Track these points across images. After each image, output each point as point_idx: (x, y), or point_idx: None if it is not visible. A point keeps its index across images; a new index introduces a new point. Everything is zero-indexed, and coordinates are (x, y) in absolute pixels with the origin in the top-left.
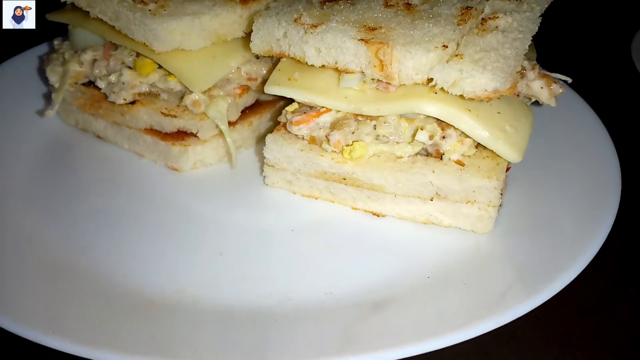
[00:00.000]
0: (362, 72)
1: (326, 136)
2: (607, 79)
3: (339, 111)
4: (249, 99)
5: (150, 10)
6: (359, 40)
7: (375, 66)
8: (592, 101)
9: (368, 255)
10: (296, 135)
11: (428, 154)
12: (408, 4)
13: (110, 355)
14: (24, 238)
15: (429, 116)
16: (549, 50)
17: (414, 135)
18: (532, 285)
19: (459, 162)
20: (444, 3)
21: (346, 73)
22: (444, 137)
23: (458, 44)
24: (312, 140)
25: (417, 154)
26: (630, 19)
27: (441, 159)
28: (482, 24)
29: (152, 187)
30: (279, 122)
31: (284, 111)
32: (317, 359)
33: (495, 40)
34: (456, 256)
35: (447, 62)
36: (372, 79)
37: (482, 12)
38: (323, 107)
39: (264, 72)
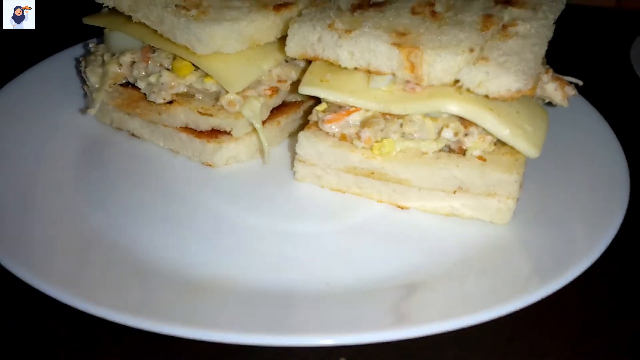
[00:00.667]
0: (393, 74)
1: (357, 133)
2: (607, 83)
3: (367, 110)
4: (277, 100)
5: (192, 15)
6: (391, 44)
7: (406, 68)
8: (593, 105)
9: (396, 244)
10: (327, 132)
11: (451, 150)
12: (433, 11)
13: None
14: (73, 224)
15: (452, 115)
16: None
17: (439, 133)
18: (550, 271)
19: (480, 158)
20: (466, 11)
21: (377, 75)
22: (466, 135)
23: (482, 48)
24: (343, 138)
25: (440, 150)
26: (629, 25)
27: (464, 154)
28: (503, 30)
29: (188, 181)
30: (308, 121)
31: (314, 110)
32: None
33: (517, 45)
34: (479, 245)
35: (474, 64)
36: (400, 81)
37: (502, 19)
38: (352, 106)
39: (293, 74)
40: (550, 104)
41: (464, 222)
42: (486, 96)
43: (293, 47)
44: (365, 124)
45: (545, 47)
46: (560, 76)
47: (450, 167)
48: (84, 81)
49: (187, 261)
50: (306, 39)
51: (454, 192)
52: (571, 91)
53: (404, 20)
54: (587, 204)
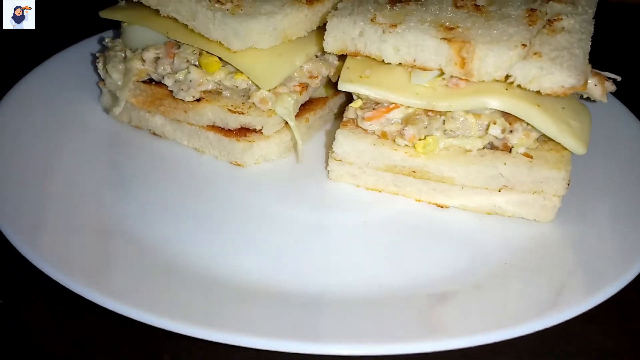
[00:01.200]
0: (440, 70)
1: (399, 131)
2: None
3: (408, 107)
4: (306, 96)
5: (228, 9)
6: (441, 39)
7: (456, 64)
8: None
9: (440, 245)
10: (366, 130)
11: (493, 147)
12: (476, 5)
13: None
14: (99, 221)
15: (494, 111)
16: None
17: (486, 130)
18: (609, 270)
19: (526, 155)
20: (509, 5)
21: (420, 70)
22: (511, 131)
23: (532, 43)
24: (383, 135)
25: (483, 147)
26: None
27: (509, 151)
28: (549, 24)
29: (218, 182)
30: (340, 118)
31: (350, 107)
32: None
33: (565, 40)
34: (526, 245)
35: (527, 59)
36: (443, 76)
37: (546, 14)
38: (393, 103)
39: (324, 70)
40: (587, 99)
41: (506, 220)
42: (536, 92)
43: (332, 42)
44: (407, 121)
45: (589, 42)
46: (599, 72)
47: (498, 164)
48: (100, 78)
49: (217, 261)
50: (346, 33)
51: (499, 190)
52: (611, 87)
53: (448, 14)
54: (629, 205)
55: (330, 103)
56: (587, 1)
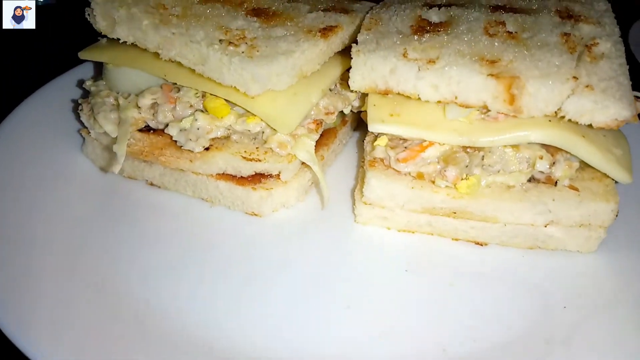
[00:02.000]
0: (484, 106)
1: (439, 172)
2: None
3: (443, 144)
4: (319, 133)
5: (243, 52)
6: (487, 75)
7: (504, 100)
8: None
9: (493, 290)
10: (399, 171)
11: (534, 180)
12: (508, 31)
13: None
14: (92, 291)
15: (533, 142)
16: None
17: (531, 163)
18: None
19: (572, 187)
20: (540, 30)
21: (464, 107)
22: (554, 163)
23: (579, 74)
24: (420, 176)
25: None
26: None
27: (554, 184)
28: (588, 51)
29: (234, 236)
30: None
31: (378, 147)
32: None
33: (608, 68)
34: (577, 281)
35: (577, 92)
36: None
37: (581, 38)
38: (425, 140)
39: (340, 104)
40: None
41: (548, 253)
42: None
43: (359, 81)
44: (447, 160)
45: (627, 66)
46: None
47: (546, 201)
48: (81, 124)
49: (240, 334)
50: (376, 70)
51: (545, 226)
52: None
53: (485, 45)
54: None
55: (340, 134)
56: (609, 19)
